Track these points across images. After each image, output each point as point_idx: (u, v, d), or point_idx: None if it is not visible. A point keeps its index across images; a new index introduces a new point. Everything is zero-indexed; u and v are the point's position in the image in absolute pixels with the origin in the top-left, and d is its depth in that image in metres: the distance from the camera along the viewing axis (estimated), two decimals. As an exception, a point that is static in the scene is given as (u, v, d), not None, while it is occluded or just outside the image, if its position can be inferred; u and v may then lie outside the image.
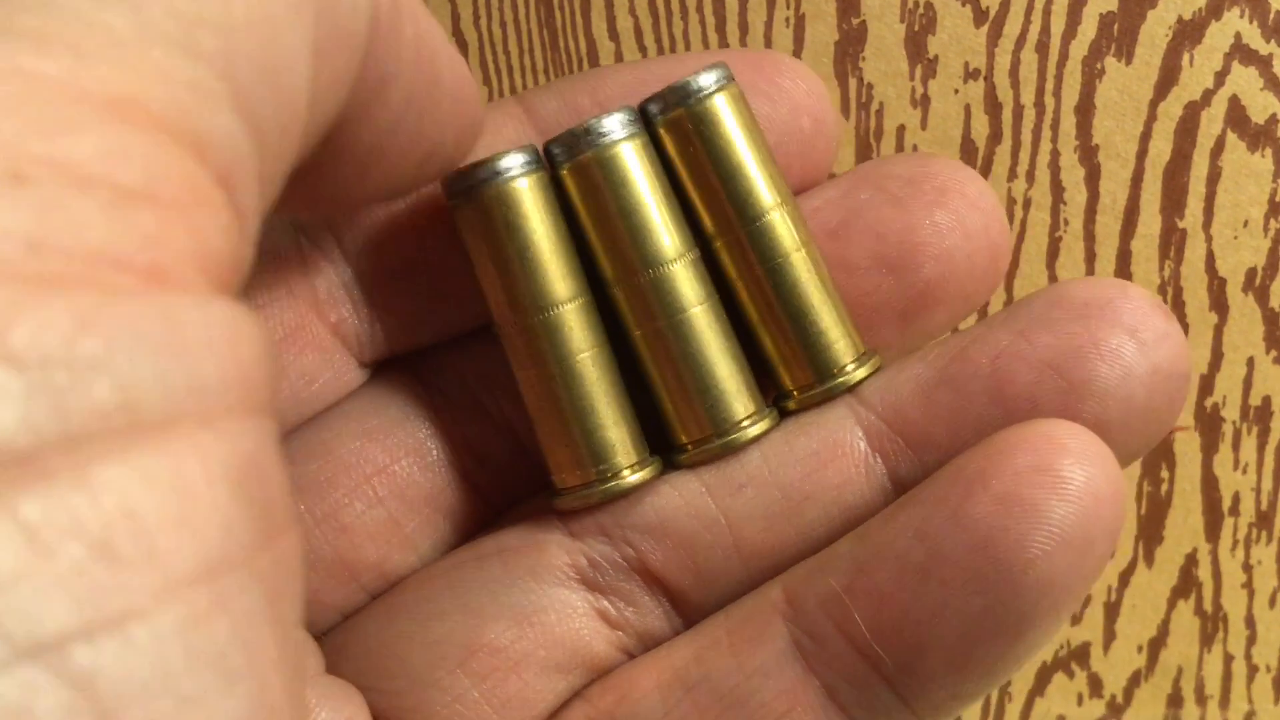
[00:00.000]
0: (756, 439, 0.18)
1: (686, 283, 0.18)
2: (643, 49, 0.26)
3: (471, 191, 0.17)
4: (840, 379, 0.18)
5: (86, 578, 0.09)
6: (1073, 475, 0.15)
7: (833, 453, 0.18)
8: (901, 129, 0.27)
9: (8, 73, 0.09)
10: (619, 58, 0.27)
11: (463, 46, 0.27)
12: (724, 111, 0.18)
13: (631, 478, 0.18)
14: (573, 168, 0.17)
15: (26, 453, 0.08)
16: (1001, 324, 0.17)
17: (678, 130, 0.18)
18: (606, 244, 0.18)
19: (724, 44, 0.26)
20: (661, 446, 0.19)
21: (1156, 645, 0.31)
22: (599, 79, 0.19)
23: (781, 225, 0.18)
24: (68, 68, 0.09)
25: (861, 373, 0.18)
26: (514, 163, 0.17)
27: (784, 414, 0.19)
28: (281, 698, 0.10)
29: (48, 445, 0.09)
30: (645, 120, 0.18)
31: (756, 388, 0.18)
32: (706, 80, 0.17)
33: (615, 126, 0.17)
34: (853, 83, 0.26)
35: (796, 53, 0.26)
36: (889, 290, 0.18)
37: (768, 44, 0.26)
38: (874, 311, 0.18)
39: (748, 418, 0.18)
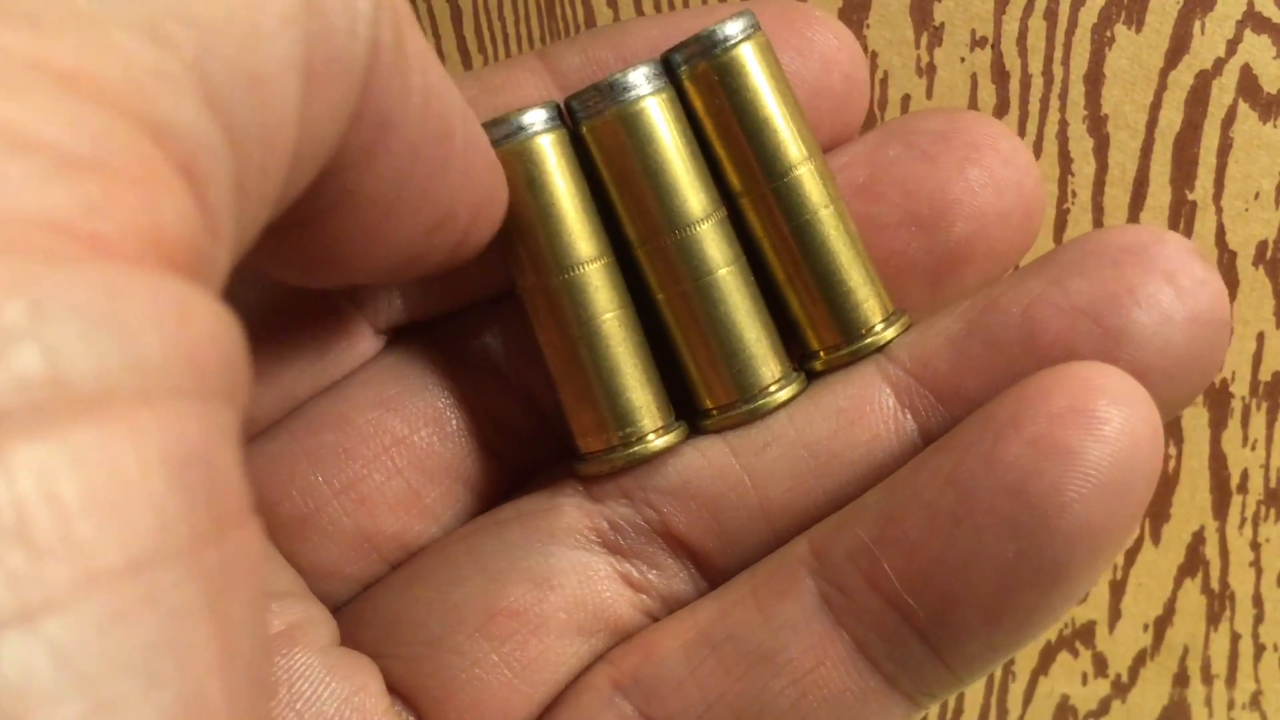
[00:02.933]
0: (784, 404, 0.18)
1: (714, 244, 0.17)
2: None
3: (492, 148, 0.17)
4: (869, 339, 0.17)
5: None
6: (1109, 416, 0.14)
7: (860, 410, 0.17)
8: (906, 98, 0.26)
9: None
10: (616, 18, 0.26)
11: (457, 15, 0.26)
12: (750, 62, 0.17)
13: (657, 442, 0.18)
14: (595, 125, 0.17)
15: None
16: (1034, 273, 0.17)
17: (702, 82, 0.17)
18: (631, 204, 0.17)
19: (725, 11, 0.26)
20: (686, 411, 0.18)
21: (1162, 624, 0.31)
22: (623, 33, 0.18)
23: (809, 181, 0.17)
24: (23, 38, 0.09)
25: (890, 333, 0.18)
26: (536, 119, 0.17)
27: (810, 375, 0.18)
28: (221, 705, 0.09)
29: None
30: (669, 71, 0.17)
31: (784, 350, 0.18)
32: (732, 29, 0.17)
33: (639, 81, 0.17)
34: (857, 51, 0.26)
35: (799, 21, 0.26)
36: (919, 249, 0.18)
37: (770, 11, 0.25)
38: (903, 271, 0.18)
39: (774, 383, 0.18)
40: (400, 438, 0.18)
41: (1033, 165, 0.18)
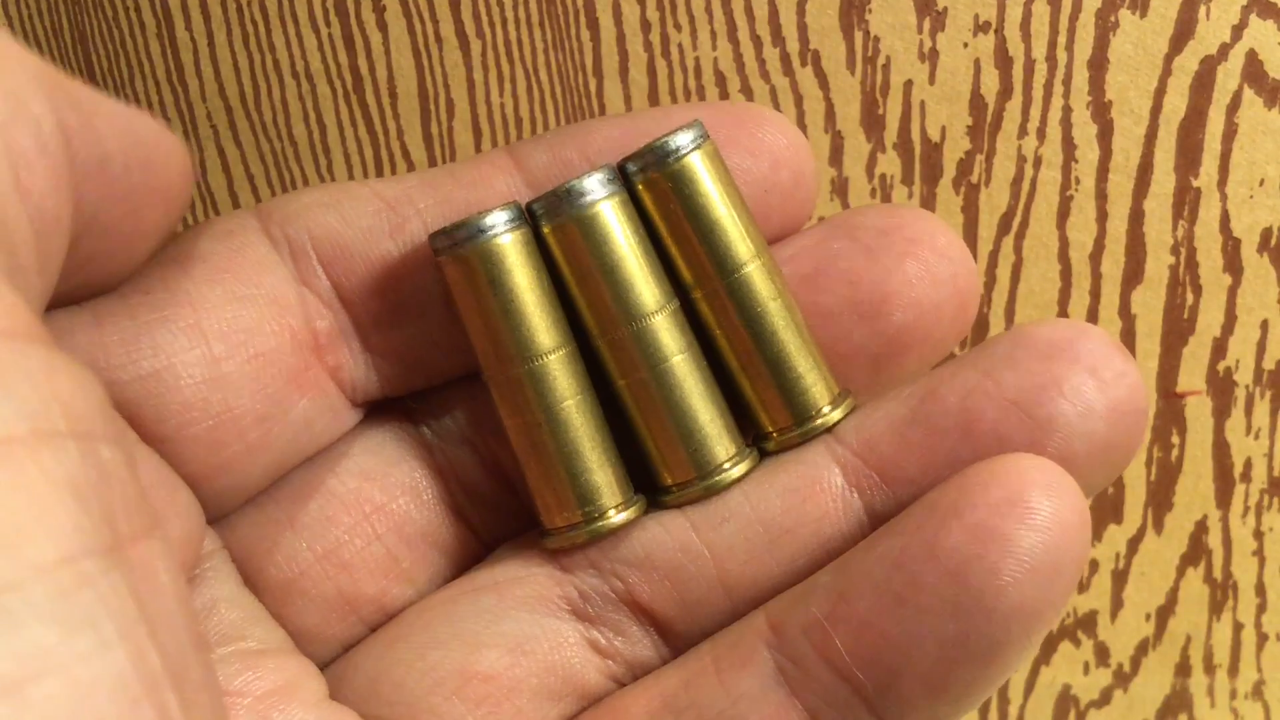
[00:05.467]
0: (738, 480, 0.19)
1: (667, 333, 0.19)
2: (641, 1, 0.26)
3: (457, 247, 0.18)
4: (818, 420, 0.19)
5: None
6: (1041, 506, 0.16)
7: (811, 488, 0.19)
8: (909, 84, 0.26)
9: None
10: (616, 8, 0.26)
11: (457, -1, 0.26)
12: (700, 170, 0.18)
13: (617, 518, 0.19)
14: (554, 228, 0.18)
15: None
16: (969, 364, 0.18)
17: (655, 189, 0.18)
18: (589, 299, 0.19)
19: (728, 3, 0.25)
20: (647, 487, 0.20)
21: (1165, 613, 0.30)
22: (586, 133, 0.20)
23: (758, 276, 0.18)
24: None
25: (837, 414, 0.19)
26: (498, 220, 0.18)
27: (763, 454, 0.19)
28: (161, 673, 0.11)
29: None
30: (624, 178, 0.19)
31: (737, 430, 0.19)
32: (683, 140, 0.18)
33: (595, 187, 0.18)
34: (858, 36, 0.26)
35: (801, 6, 0.25)
36: (862, 336, 0.19)
37: (771, -4, 0.25)
38: (847, 357, 0.19)
39: (729, 460, 0.19)
40: (379, 506, 0.20)
41: (968, 258, 0.19)
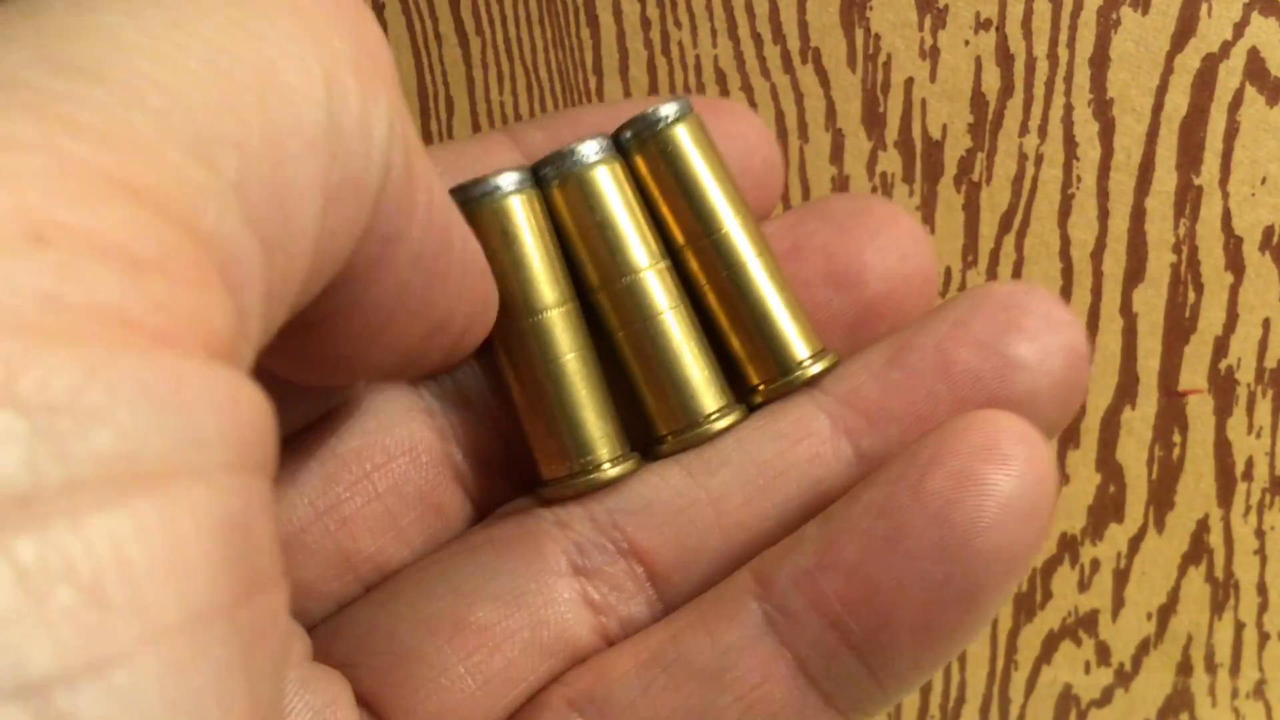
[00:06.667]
0: (728, 428, 0.20)
1: (662, 286, 0.20)
2: (642, -1, 0.26)
3: (471, 204, 0.19)
4: (801, 371, 0.20)
5: (75, 622, 0.09)
6: (1014, 453, 0.17)
7: (800, 433, 0.19)
8: (910, 82, 0.26)
9: (41, 147, 0.10)
10: (616, 6, 0.26)
11: (456, -4, 0.26)
12: (685, 136, 0.20)
13: (612, 470, 0.20)
14: (560, 185, 0.20)
15: (25, 495, 0.09)
16: (937, 317, 0.19)
17: (646, 152, 0.20)
18: (590, 253, 0.20)
19: (728, 1, 0.25)
20: (643, 445, 0.20)
21: (1166, 612, 0.30)
22: (579, 115, 0.21)
23: (743, 233, 0.20)
24: (96, 152, 0.10)
25: (821, 365, 0.20)
26: (509, 180, 0.19)
27: (751, 409, 0.20)
28: None
29: (47, 489, 0.09)
30: (618, 146, 0.20)
31: (726, 385, 0.20)
32: (669, 110, 0.20)
33: (594, 150, 0.20)
34: (859, 33, 0.26)
35: (801, 3, 0.25)
36: (839, 304, 0.20)
37: (772, -7, 0.25)
38: (825, 323, 0.20)
39: (718, 411, 0.20)
40: (379, 464, 0.20)
41: (928, 239, 0.21)
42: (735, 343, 0.20)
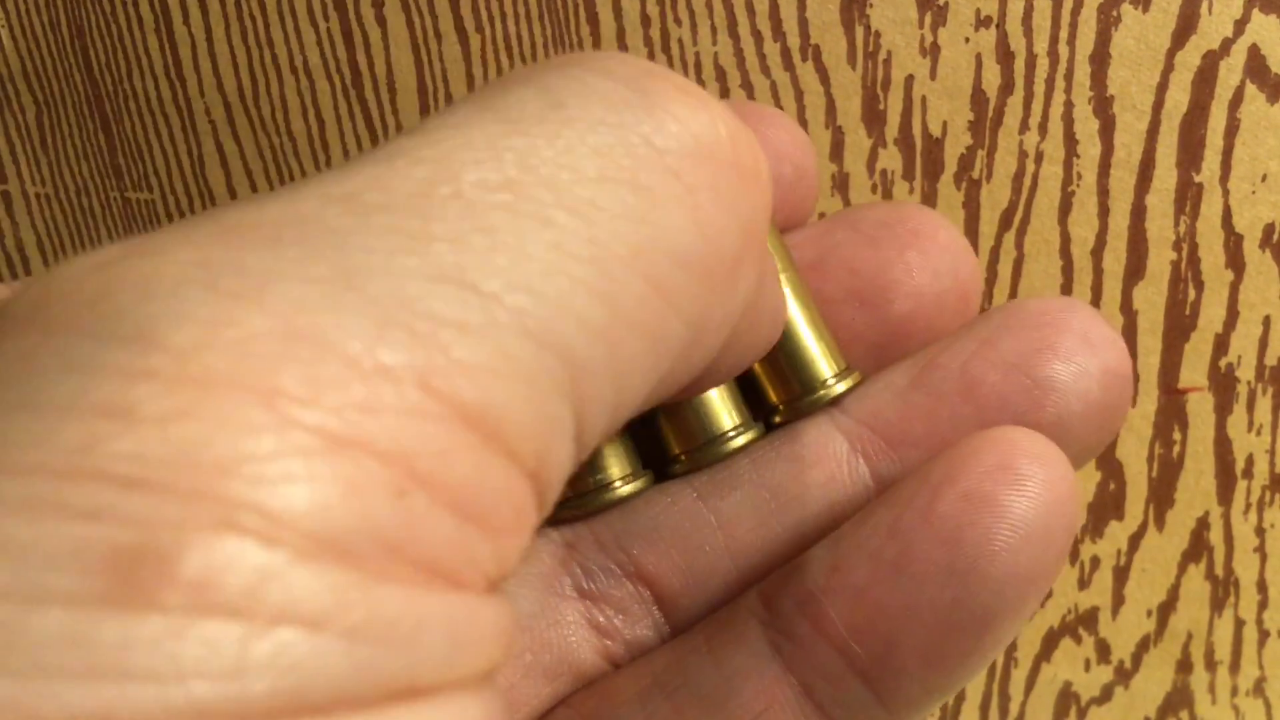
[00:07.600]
0: (743, 447, 0.19)
1: None
2: (642, -4, 0.26)
3: None
4: (822, 391, 0.19)
5: None
6: (1031, 473, 0.16)
7: (817, 455, 0.19)
8: (910, 79, 0.26)
9: (371, 372, 0.10)
10: (616, 3, 0.26)
11: (456, -7, 0.26)
12: None
13: (624, 489, 0.19)
14: None
15: (323, 704, 0.10)
16: (966, 334, 0.19)
17: None
18: None
19: (726, -9, 0.25)
20: (657, 463, 0.20)
21: (1166, 610, 0.30)
22: None
23: (769, 249, 0.19)
24: (416, 360, 0.11)
25: (843, 386, 0.19)
26: None
27: (770, 428, 0.20)
28: None
29: (342, 702, 0.10)
30: None
31: (743, 403, 0.20)
32: None
33: None
34: (859, 30, 0.25)
35: (801, 1, 0.25)
36: (863, 323, 0.19)
37: (772, -10, 0.25)
38: (848, 342, 0.19)
39: (734, 429, 0.19)
40: None
41: (969, 252, 0.19)
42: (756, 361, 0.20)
